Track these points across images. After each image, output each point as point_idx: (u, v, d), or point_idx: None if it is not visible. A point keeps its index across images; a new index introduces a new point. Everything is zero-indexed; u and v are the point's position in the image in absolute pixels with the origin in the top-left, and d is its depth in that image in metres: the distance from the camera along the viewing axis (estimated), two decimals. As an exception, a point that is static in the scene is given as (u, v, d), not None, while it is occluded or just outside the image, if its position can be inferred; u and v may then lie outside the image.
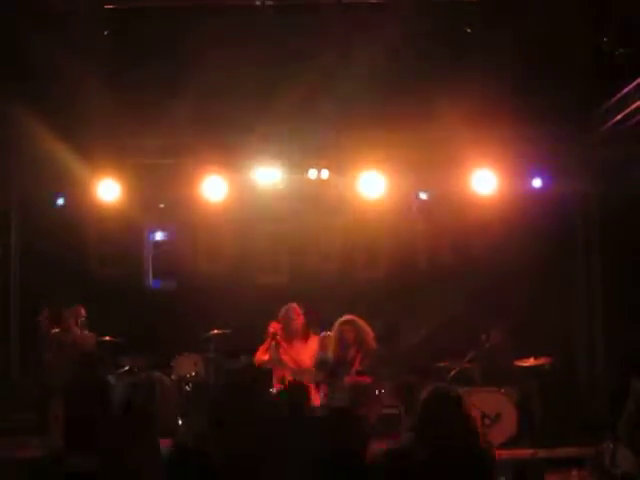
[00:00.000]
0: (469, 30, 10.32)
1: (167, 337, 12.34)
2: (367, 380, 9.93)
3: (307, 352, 10.48)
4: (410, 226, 12.88)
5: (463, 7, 9.98)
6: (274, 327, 10.34)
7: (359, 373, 9.95)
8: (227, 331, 12.08)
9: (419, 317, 12.43)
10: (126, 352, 12.00)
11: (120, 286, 12.94)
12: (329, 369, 10.08)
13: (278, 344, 10.32)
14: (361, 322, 10.14)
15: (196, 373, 12.07)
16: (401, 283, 12.86)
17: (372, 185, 11.93)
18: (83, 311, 11.50)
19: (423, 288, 12.79)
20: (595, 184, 12.23)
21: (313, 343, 10.52)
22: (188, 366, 12.08)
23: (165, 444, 8.16)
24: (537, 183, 12.16)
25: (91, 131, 11.34)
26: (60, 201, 12.78)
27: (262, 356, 10.38)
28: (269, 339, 10.38)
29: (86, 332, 11.50)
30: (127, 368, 11.87)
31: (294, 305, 10.52)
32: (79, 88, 10.52)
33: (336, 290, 12.57)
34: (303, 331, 10.54)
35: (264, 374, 10.30)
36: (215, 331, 12.08)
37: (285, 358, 10.36)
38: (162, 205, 12.78)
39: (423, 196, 12.53)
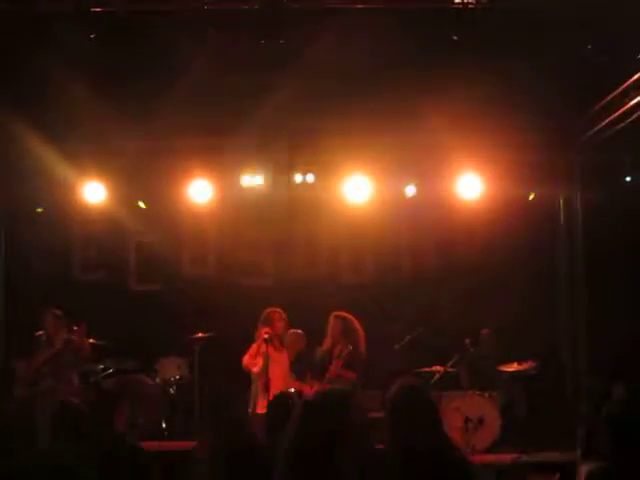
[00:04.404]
0: (455, 37, 10.32)
1: (151, 340, 12.50)
2: (351, 375, 10.25)
3: (286, 355, 10.62)
4: (395, 230, 13.08)
5: (450, 14, 9.98)
6: (268, 332, 10.18)
7: (345, 367, 10.26)
8: (211, 334, 12.22)
9: (404, 321, 12.54)
10: (110, 355, 12.13)
11: (104, 288, 13.12)
12: (316, 364, 10.50)
13: (268, 353, 10.12)
14: (354, 321, 10.50)
15: (180, 376, 12.25)
16: (386, 287, 13.08)
17: (358, 189, 12.17)
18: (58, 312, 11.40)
19: (408, 292, 13.02)
20: (579, 189, 12.59)
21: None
22: (172, 369, 12.28)
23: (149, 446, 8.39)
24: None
25: (77, 133, 11.52)
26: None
27: (252, 360, 10.24)
28: (261, 343, 10.23)
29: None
30: (111, 371, 12.08)
31: (275, 309, 10.50)
32: (65, 90, 10.54)
33: (321, 294, 12.69)
34: (284, 338, 10.59)
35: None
36: (199, 334, 12.21)
37: (273, 366, 10.21)
38: (142, 204, 12.89)
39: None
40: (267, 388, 9.84)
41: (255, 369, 10.15)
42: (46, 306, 11.36)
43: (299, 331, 11.08)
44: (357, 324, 10.56)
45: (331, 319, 10.67)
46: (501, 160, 11.94)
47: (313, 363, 10.80)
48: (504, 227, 12.61)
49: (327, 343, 10.65)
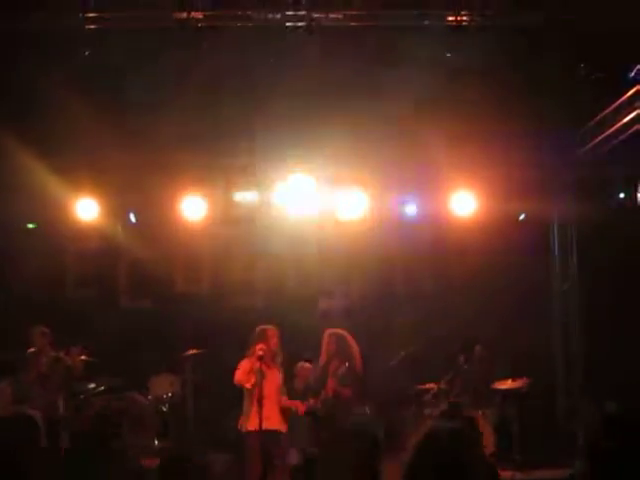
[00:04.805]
0: (449, 54, 10.51)
1: (143, 357, 12.50)
2: (348, 393, 10.30)
3: (280, 376, 10.41)
4: (388, 246, 13.05)
5: (445, 31, 10.11)
6: (262, 349, 9.97)
7: (341, 384, 10.30)
8: (203, 351, 12.19)
9: (397, 339, 12.59)
10: (101, 373, 12.05)
11: (96, 305, 13.09)
12: (311, 381, 10.60)
13: (262, 370, 9.93)
14: (348, 338, 10.53)
15: (172, 393, 12.20)
16: (379, 305, 13.11)
17: (351, 206, 12.16)
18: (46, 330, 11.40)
19: (401, 309, 13.03)
20: (573, 206, 12.55)
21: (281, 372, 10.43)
22: (164, 386, 12.25)
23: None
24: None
25: (70, 148, 11.51)
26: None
27: (245, 376, 10.01)
28: (253, 359, 10.00)
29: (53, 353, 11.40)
30: (103, 388, 12.01)
31: (268, 326, 10.38)
32: (58, 106, 10.63)
33: (312, 313, 12.79)
34: (275, 353, 10.32)
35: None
36: (191, 351, 12.19)
37: (265, 383, 10.01)
38: (133, 218, 12.91)
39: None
40: (260, 405, 9.75)
41: (248, 385, 10.00)
42: (34, 324, 11.34)
43: (306, 364, 11.20)
44: (351, 341, 10.59)
45: (325, 337, 10.70)
46: (495, 177, 11.97)
47: (308, 381, 10.87)
48: (498, 244, 12.56)
49: (322, 360, 10.68)
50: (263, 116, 10.97)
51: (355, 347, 10.55)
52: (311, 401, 10.60)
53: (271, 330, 10.30)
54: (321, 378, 10.60)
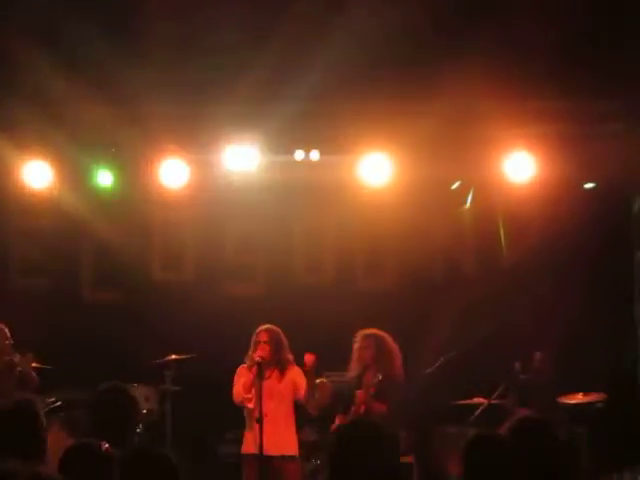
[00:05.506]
0: None
1: (112, 364, 11.36)
2: (381, 408, 9.47)
3: (287, 386, 9.68)
4: (424, 222, 12.07)
5: None
6: (260, 356, 9.43)
7: (375, 398, 9.53)
8: (188, 356, 11.31)
9: (434, 339, 11.58)
10: (59, 383, 11.13)
11: (51, 299, 12.18)
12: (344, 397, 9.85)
13: (260, 383, 9.35)
14: (388, 340, 9.89)
15: (149, 410, 11.33)
16: (412, 296, 12.14)
17: (376, 171, 11.19)
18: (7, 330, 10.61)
19: (440, 303, 11.96)
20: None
21: (293, 375, 9.67)
22: (139, 401, 10.88)
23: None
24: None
25: (15, 97, 10.50)
26: None
27: (245, 392, 9.42)
28: (252, 368, 9.46)
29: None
30: (59, 404, 11.02)
31: (261, 329, 9.69)
32: (4, 41, 9.85)
33: (328, 305, 11.75)
34: (274, 361, 9.61)
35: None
36: (173, 356, 11.30)
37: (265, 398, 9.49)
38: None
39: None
40: (261, 425, 9.11)
41: (250, 404, 9.47)
42: None
43: (324, 380, 10.14)
44: (392, 343, 9.82)
45: (359, 339, 9.87)
46: (561, 134, 10.78)
47: (336, 395, 10.01)
48: (563, 220, 11.48)
49: (355, 369, 9.84)
50: (263, 55, 9.91)
51: (397, 351, 9.79)
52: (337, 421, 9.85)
53: (263, 333, 9.69)
54: (353, 391, 9.71)
